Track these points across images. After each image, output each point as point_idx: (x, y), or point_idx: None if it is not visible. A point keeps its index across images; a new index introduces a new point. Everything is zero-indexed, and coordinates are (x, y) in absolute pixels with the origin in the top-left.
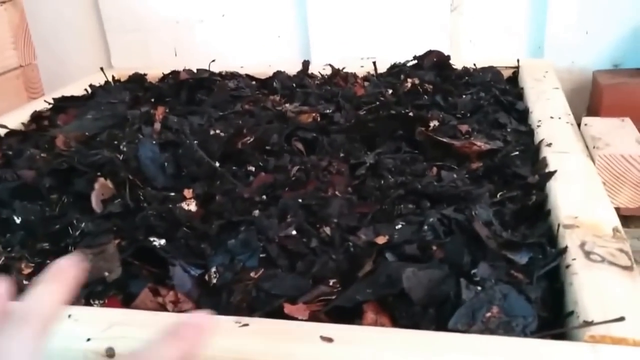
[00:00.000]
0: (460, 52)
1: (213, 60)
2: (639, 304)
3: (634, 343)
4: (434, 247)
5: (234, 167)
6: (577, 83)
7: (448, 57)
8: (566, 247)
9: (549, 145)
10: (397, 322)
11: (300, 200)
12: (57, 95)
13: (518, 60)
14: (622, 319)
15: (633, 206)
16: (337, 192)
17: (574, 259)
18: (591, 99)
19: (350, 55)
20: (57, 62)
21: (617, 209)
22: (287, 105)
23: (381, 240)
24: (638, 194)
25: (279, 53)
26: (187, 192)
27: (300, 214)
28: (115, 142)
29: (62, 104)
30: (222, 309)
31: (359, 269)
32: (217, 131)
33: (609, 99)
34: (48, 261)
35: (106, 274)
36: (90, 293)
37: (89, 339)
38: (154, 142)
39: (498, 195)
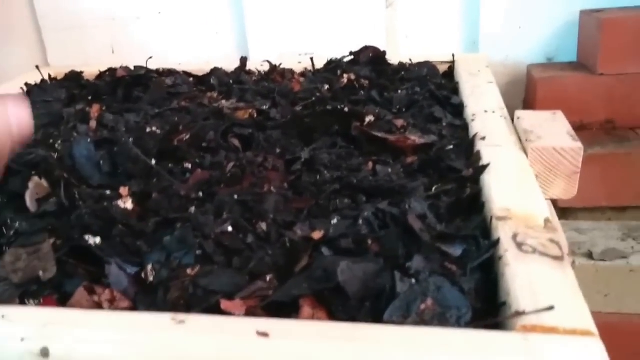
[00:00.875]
0: (396, 48)
1: (150, 58)
2: (569, 293)
3: (564, 332)
4: (370, 241)
5: (170, 165)
6: (512, 77)
7: (384, 53)
8: (499, 239)
9: (483, 138)
10: (334, 316)
11: (236, 197)
12: None
13: (453, 55)
14: (551, 308)
15: (567, 197)
16: (272, 188)
17: (506, 251)
18: (526, 92)
19: (288, 51)
20: None
21: (555, 202)
22: (223, 102)
23: (317, 235)
24: (571, 185)
25: (217, 50)
26: (123, 190)
27: (237, 210)
28: (51, 141)
29: None
30: (159, 307)
31: (295, 264)
32: (154, 128)
33: (543, 92)
34: None
35: (41, 273)
36: (24, 292)
37: (22, 339)
38: (89, 140)
39: (433, 189)
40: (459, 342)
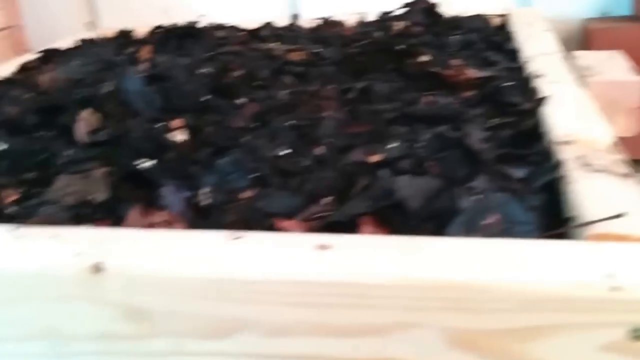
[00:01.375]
0: (448, 3)
1: (202, 15)
2: (638, 202)
3: (636, 239)
4: (430, 163)
5: (223, 100)
6: (566, 32)
7: (437, 5)
8: (563, 159)
9: (541, 76)
10: (395, 234)
11: (290, 123)
12: None
13: (506, 10)
14: (621, 215)
15: (628, 135)
16: (328, 113)
17: (572, 170)
18: (581, 46)
19: (339, 11)
20: (45, 26)
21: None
22: (276, 44)
23: (375, 158)
24: (632, 121)
25: (269, 12)
26: (177, 122)
27: (292, 136)
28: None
29: (49, 54)
30: (215, 229)
31: (353, 187)
32: (206, 69)
33: (598, 43)
34: (34, 190)
35: (92, 196)
36: (76, 216)
37: (76, 255)
38: (140, 76)
39: (493, 122)
40: (527, 252)
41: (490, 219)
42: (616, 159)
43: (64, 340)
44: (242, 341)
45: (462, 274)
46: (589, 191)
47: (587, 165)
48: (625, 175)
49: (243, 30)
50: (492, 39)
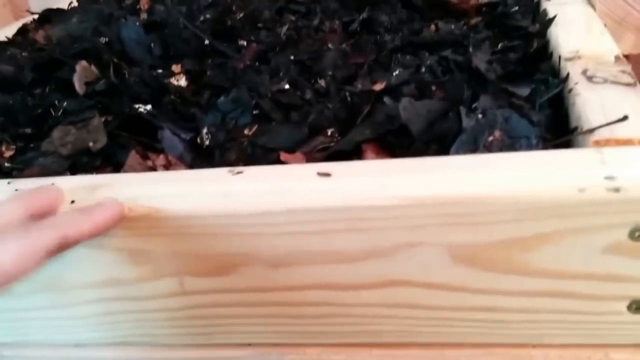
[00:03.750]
0: None
1: None
2: None
3: (638, 143)
4: (434, 87)
5: (224, 44)
6: None
7: None
8: (568, 74)
9: None
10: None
11: (292, 57)
12: None
13: None
14: (625, 118)
15: (638, 51)
16: (330, 46)
17: (576, 83)
18: None
19: None
20: None
21: None
22: None
23: (378, 86)
24: None
25: None
26: (176, 67)
27: (294, 70)
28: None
29: (49, 14)
30: None
31: (357, 117)
32: (207, 15)
33: None
34: (31, 145)
35: (91, 144)
36: (75, 165)
37: (72, 201)
38: (138, 23)
39: (499, 46)
40: (526, 162)
41: (493, 136)
42: (620, 70)
43: (67, 291)
44: (246, 276)
45: (460, 189)
46: (593, 101)
47: (591, 78)
48: (629, 85)
49: None
50: None
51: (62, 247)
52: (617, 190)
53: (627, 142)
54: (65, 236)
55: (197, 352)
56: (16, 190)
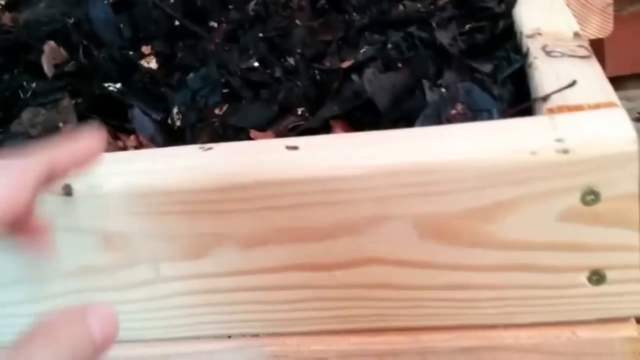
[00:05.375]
0: None
1: None
2: (594, 77)
3: (589, 107)
4: (399, 64)
5: (195, 25)
6: None
7: None
8: (528, 49)
9: None
10: None
11: (261, 35)
12: None
13: None
14: (574, 83)
15: (603, 35)
16: (298, 22)
17: (535, 58)
18: None
19: None
20: None
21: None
22: None
23: (346, 64)
24: (606, 20)
25: None
26: (146, 49)
27: (262, 47)
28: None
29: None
30: None
31: (326, 95)
32: None
33: None
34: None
35: (61, 124)
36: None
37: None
38: (106, 1)
39: (466, 27)
40: (489, 130)
41: (455, 109)
42: (578, 45)
43: (44, 282)
44: (220, 258)
45: (422, 156)
46: (549, 72)
47: (550, 52)
48: (584, 57)
49: None
50: None
51: (52, 175)
52: (565, 151)
53: (577, 108)
54: (52, 161)
55: (175, 347)
56: None
